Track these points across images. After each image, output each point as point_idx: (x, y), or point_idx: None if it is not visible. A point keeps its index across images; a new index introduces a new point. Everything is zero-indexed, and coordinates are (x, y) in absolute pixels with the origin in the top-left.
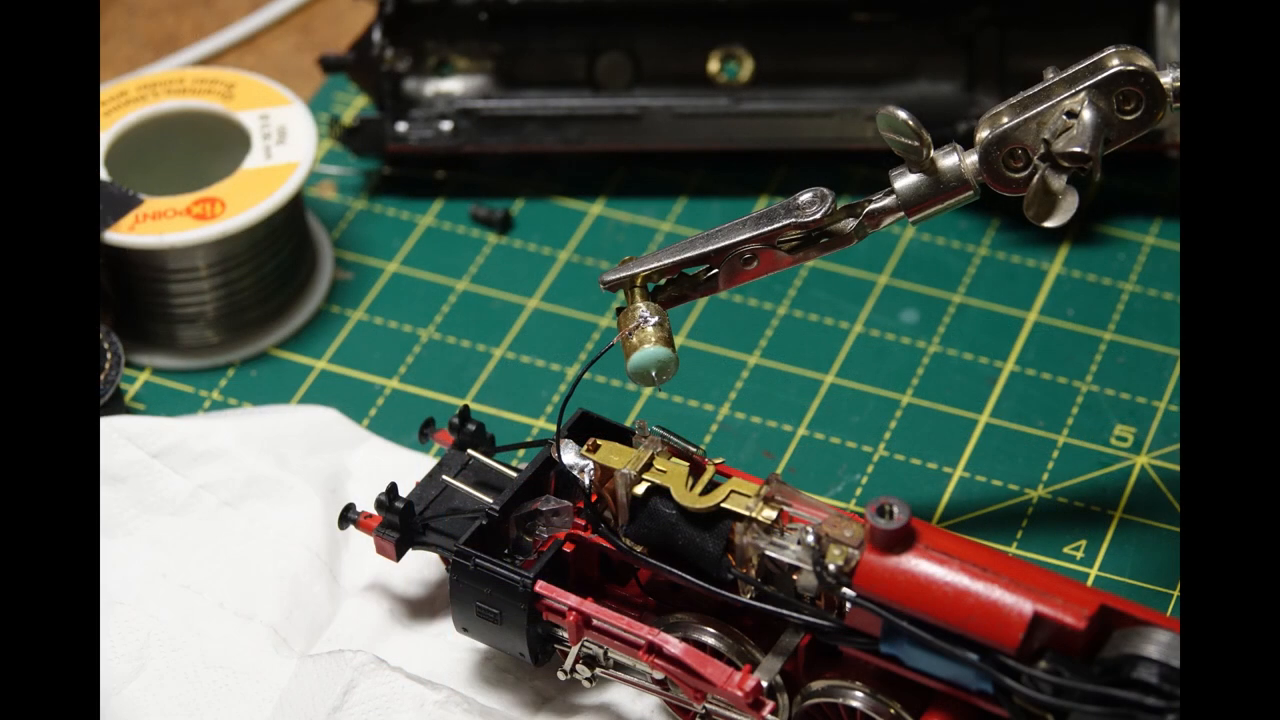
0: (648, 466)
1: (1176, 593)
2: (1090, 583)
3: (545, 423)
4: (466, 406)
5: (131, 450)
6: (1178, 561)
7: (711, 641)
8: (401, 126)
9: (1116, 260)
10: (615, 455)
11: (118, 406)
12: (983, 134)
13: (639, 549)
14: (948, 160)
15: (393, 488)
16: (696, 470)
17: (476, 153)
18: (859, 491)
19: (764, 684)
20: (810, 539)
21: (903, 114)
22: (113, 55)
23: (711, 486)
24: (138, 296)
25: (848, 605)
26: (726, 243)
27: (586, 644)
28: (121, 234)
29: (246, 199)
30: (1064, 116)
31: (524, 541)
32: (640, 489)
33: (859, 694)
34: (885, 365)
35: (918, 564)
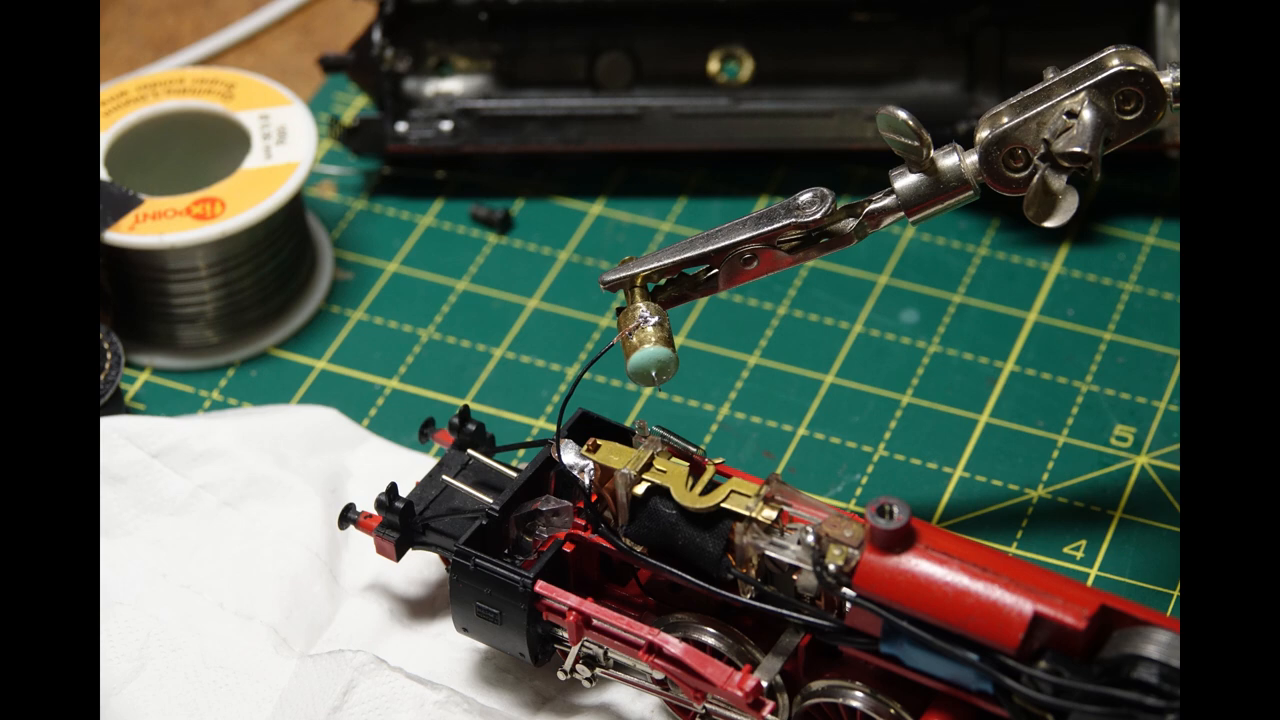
0: (648, 466)
1: (1176, 593)
2: (1090, 583)
3: (545, 423)
4: (466, 406)
5: (131, 450)
6: (1178, 561)
7: (711, 641)
8: (401, 126)
9: (1116, 260)
10: (615, 455)
11: (118, 406)
12: (983, 134)
13: (639, 549)
14: (948, 160)
15: (393, 488)
16: (696, 470)
17: (476, 153)
18: (859, 491)
19: (764, 684)
20: (810, 539)
21: (903, 114)
22: (113, 55)
23: (711, 486)
24: (138, 296)
25: (848, 605)
26: (726, 243)
27: (586, 644)
28: (121, 234)
29: (246, 199)
30: (1064, 116)
31: (524, 541)
32: (640, 489)
33: (859, 694)
34: (885, 365)
35: (918, 564)
